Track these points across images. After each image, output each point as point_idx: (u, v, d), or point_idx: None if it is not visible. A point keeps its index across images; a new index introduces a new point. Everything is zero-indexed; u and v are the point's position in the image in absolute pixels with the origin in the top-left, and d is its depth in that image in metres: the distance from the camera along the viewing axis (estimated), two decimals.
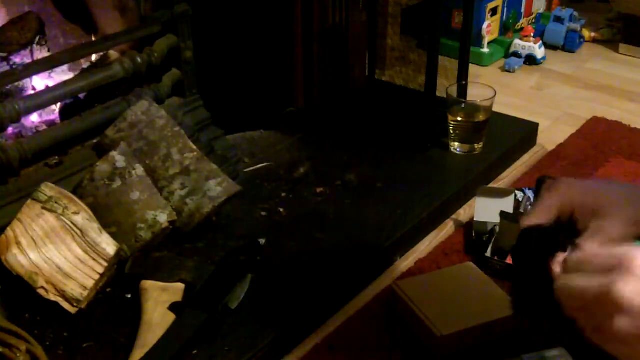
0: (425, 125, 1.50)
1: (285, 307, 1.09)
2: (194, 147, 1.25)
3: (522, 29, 2.13)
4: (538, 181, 1.31)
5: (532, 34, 2.07)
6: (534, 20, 2.21)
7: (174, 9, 1.32)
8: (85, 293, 1.05)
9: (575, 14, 2.15)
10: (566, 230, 0.78)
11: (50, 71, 1.40)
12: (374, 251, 1.23)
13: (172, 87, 1.37)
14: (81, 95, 1.33)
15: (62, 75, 1.44)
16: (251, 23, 1.56)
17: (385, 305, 1.15)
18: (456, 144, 1.49)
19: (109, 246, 1.09)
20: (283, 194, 1.36)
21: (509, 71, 2.03)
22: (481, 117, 1.47)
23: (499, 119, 1.58)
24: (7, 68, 1.35)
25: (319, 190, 1.37)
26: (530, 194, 1.36)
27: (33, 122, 1.36)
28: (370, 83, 1.71)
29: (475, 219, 1.30)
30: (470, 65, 1.58)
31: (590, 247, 0.67)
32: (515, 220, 1.24)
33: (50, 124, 1.36)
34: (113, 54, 1.35)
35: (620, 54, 2.13)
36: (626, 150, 1.61)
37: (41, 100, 1.21)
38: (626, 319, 0.59)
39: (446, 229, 1.34)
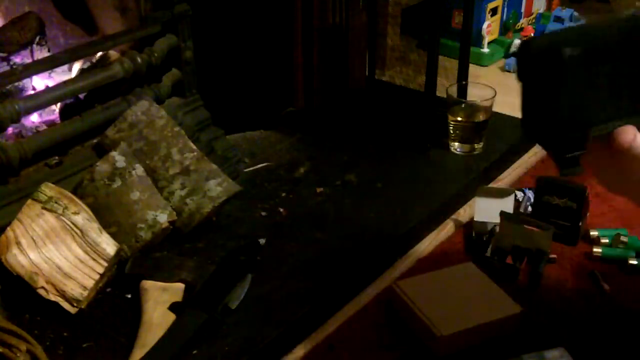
0: (425, 125, 1.50)
1: (285, 307, 1.09)
2: (194, 147, 1.25)
3: (522, 29, 2.12)
4: (538, 181, 1.32)
5: (532, 34, 2.07)
6: (534, 20, 2.20)
7: (174, 9, 1.32)
8: (85, 293, 1.05)
9: (575, 14, 2.15)
10: None
11: (50, 71, 1.40)
12: (374, 251, 1.23)
13: (172, 87, 1.37)
14: (81, 95, 1.33)
15: (62, 75, 1.44)
16: (251, 23, 1.56)
17: (385, 305, 1.15)
18: (456, 144, 1.49)
19: (109, 246, 1.09)
20: (283, 194, 1.36)
21: (509, 71, 2.02)
22: (481, 117, 1.47)
23: (499, 119, 1.58)
24: (7, 68, 1.36)
25: (319, 190, 1.37)
26: (530, 194, 1.36)
27: (33, 122, 1.36)
28: (370, 83, 1.71)
29: (475, 219, 1.30)
30: (470, 65, 1.58)
31: None
32: (516, 220, 1.25)
33: (50, 124, 1.36)
34: (113, 54, 1.35)
35: None
36: None
37: (41, 100, 1.21)
38: None
39: (446, 229, 1.34)
